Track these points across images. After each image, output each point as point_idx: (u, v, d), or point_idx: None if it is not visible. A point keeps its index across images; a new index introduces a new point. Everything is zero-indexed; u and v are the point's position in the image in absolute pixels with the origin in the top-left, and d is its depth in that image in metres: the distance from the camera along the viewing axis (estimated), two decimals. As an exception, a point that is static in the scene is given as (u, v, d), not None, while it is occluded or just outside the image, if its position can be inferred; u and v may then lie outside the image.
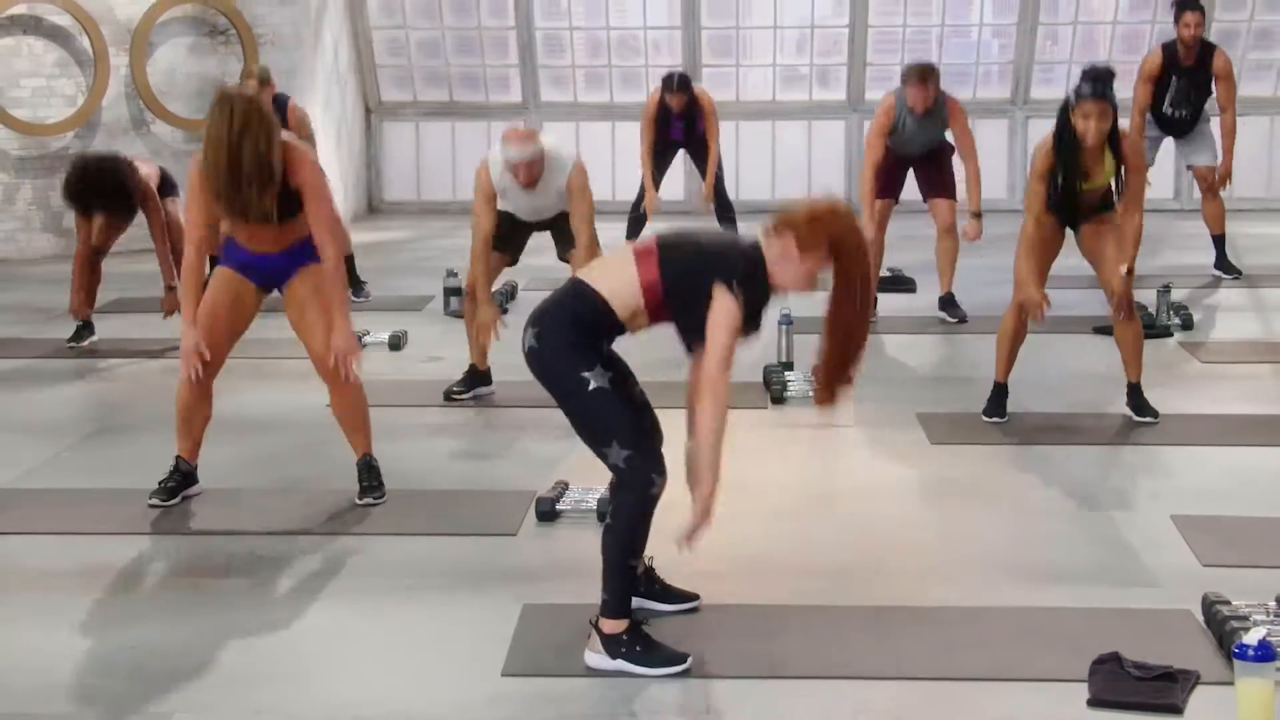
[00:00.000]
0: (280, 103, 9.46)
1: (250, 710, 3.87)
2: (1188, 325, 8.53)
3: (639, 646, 4.04)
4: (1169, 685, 3.85)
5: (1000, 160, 14.01)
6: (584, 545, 5.05)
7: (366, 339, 8.28)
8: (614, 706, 3.87)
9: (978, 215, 8.56)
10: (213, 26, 12.46)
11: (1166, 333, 8.35)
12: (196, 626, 4.40)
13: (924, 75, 8.52)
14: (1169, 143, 10.17)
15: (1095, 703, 3.82)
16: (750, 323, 4.06)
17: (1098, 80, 6.10)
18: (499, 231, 6.80)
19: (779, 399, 6.97)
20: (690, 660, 4.04)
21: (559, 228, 6.99)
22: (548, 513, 5.32)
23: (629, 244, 4.20)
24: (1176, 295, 8.91)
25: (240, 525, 5.32)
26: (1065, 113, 6.18)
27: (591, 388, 4.01)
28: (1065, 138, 6.16)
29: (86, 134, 12.03)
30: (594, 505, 5.32)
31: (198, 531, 5.28)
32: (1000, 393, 6.62)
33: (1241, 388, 7.25)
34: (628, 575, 4.12)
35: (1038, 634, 4.27)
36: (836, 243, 4.00)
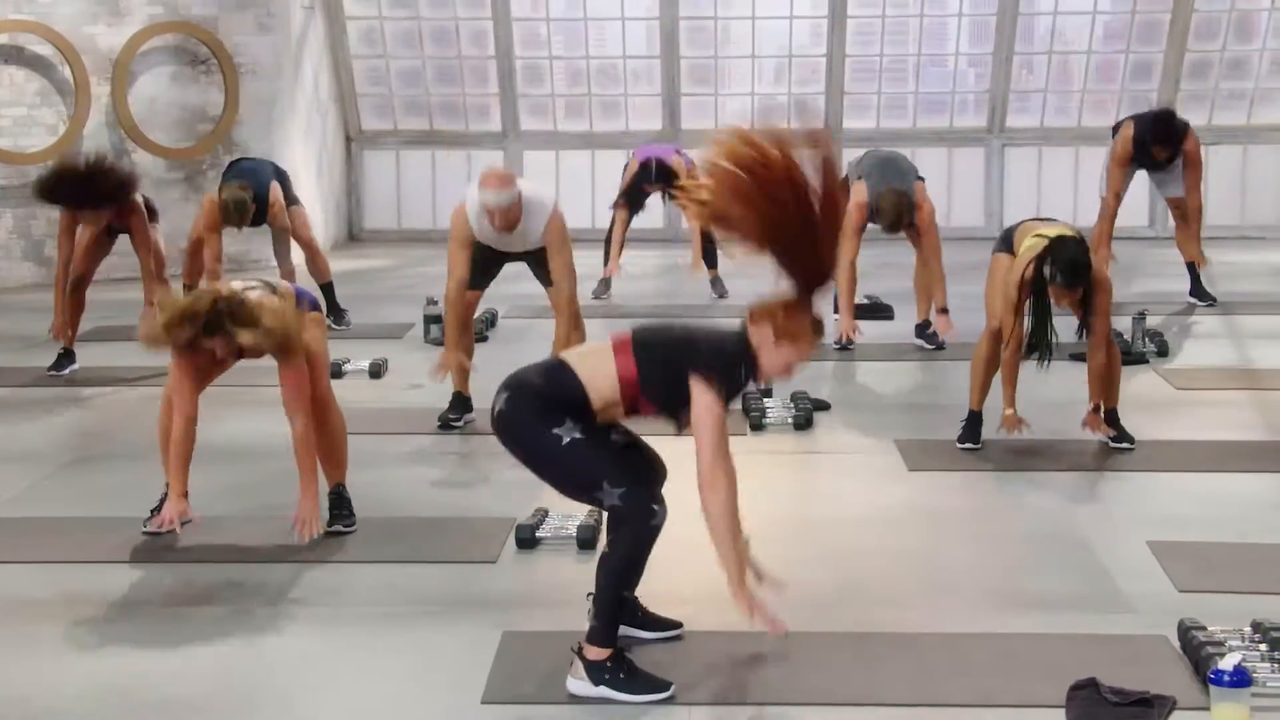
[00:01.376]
0: (261, 190, 9.27)
1: (230, 739, 3.86)
2: (1163, 352, 8.56)
3: (622, 674, 4.02)
4: (1146, 711, 3.86)
5: (977, 188, 14.07)
6: (564, 572, 5.04)
7: (347, 367, 8.27)
8: (594, 734, 3.86)
9: (944, 311, 8.55)
10: (194, 56, 12.45)
11: (1142, 359, 8.38)
12: (176, 655, 4.38)
13: (895, 227, 8.47)
14: (1143, 173, 10.23)
15: (1073, 728, 3.82)
16: (732, 393, 4.09)
17: (1073, 276, 6.21)
18: (474, 266, 6.78)
19: (758, 426, 6.98)
20: (673, 687, 4.03)
21: (536, 258, 6.95)
22: (528, 540, 5.31)
23: (608, 338, 4.19)
24: (1151, 322, 8.95)
25: (220, 553, 5.30)
26: (1040, 273, 6.25)
27: (565, 442, 4.01)
28: (1039, 288, 6.27)
29: (67, 162, 12.00)
30: (574, 532, 5.31)
31: (178, 560, 5.26)
32: (975, 421, 6.64)
33: (1217, 413, 7.28)
34: (619, 605, 4.12)
35: (1016, 660, 4.27)
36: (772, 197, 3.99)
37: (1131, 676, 4.04)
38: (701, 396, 4.00)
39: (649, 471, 4.22)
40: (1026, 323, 6.36)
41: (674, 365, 4.04)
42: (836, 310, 8.73)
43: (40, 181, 8.26)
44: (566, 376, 4.08)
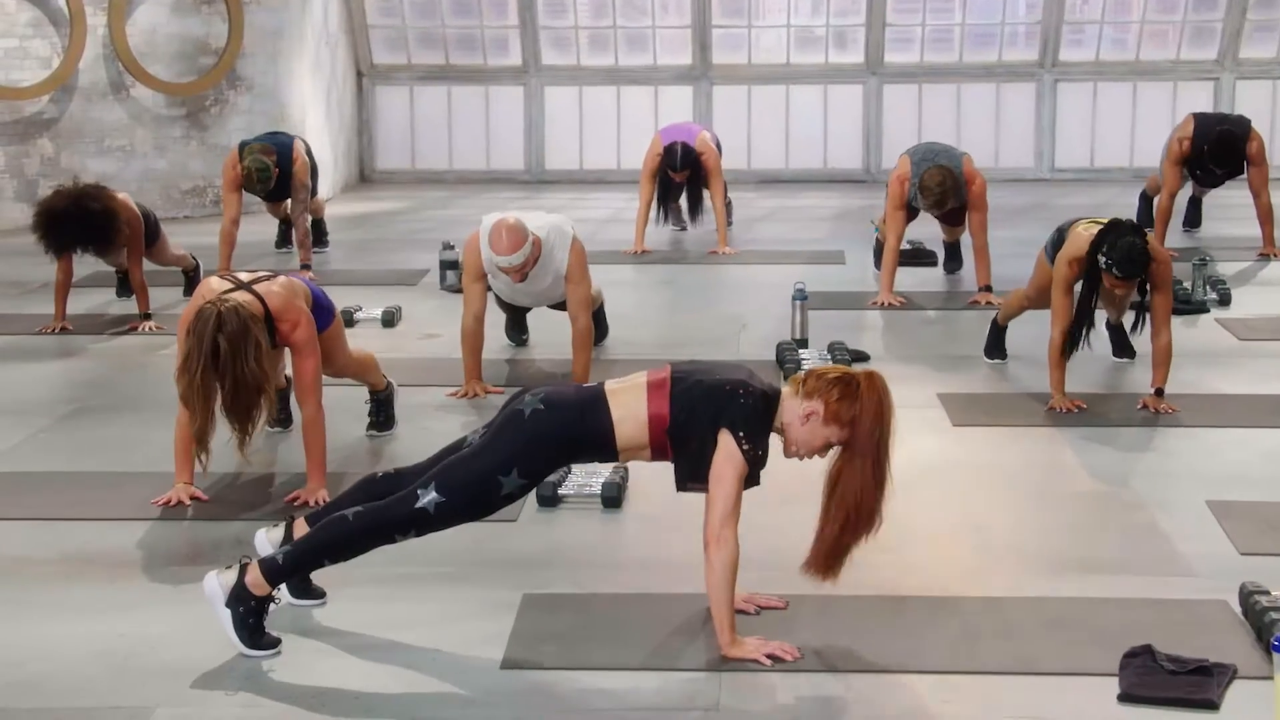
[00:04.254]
0: (285, 150, 9.44)
1: (237, 704, 3.88)
2: (1225, 300, 8.51)
3: (252, 619, 4.12)
4: (1204, 679, 3.85)
5: (1028, 127, 13.98)
6: (588, 532, 5.06)
7: (359, 315, 8.29)
8: (619, 701, 3.88)
9: (988, 289, 8.56)
10: (195, -16, 12.44)
11: (1202, 308, 8.34)
12: (180, 617, 4.41)
13: (941, 203, 8.49)
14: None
15: (1126, 698, 3.83)
16: (751, 478, 4.11)
17: (1131, 269, 6.21)
18: (497, 299, 6.91)
19: (793, 378, 6.96)
20: (278, 649, 4.11)
21: (557, 306, 7.13)
22: (549, 498, 5.32)
23: (646, 375, 4.22)
24: (1213, 268, 8.90)
25: (227, 510, 5.33)
26: (1094, 260, 6.26)
27: (503, 491, 4.11)
28: (1093, 276, 6.31)
29: (62, 98, 12.03)
30: (598, 490, 5.33)
31: (182, 517, 5.29)
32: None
33: (1281, 366, 7.25)
34: (313, 563, 4.22)
35: (1065, 626, 4.27)
36: (861, 418, 4.05)
37: (1189, 643, 4.04)
38: (729, 450, 4.06)
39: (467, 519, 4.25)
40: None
41: (707, 417, 4.08)
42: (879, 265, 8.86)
43: (34, 222, 8.11)
44: (600, 413, 4.14)
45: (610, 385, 4.24)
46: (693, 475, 4.14)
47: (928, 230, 10.08)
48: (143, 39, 12.24)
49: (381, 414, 6.23)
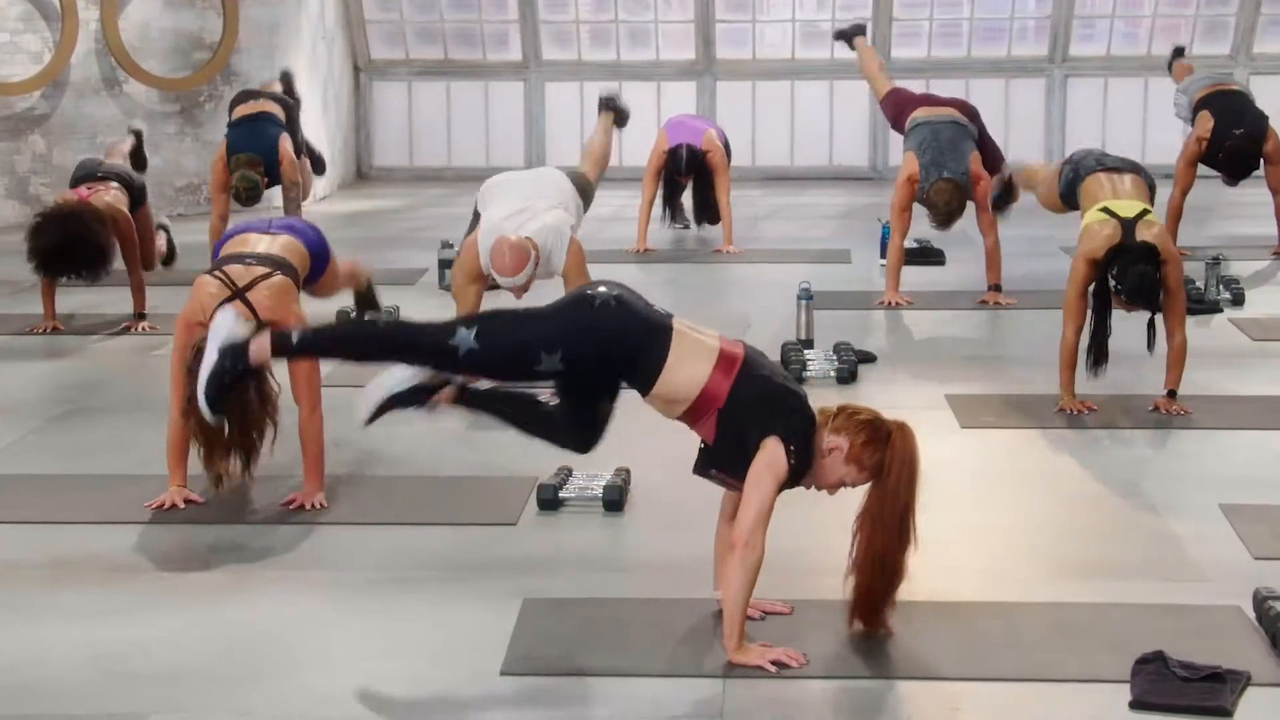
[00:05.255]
0: (270, 160, 9.41)
1: (232, 711, 3.88)
2: (1238, 300, 8.51)
3: (229, 379, 4.17)
4: (1217, 686, 3.85)
5: (1037, 123, 13.99)
6: (589, 535, 5.06)
7: (355, 315, 8.27)
8: (621, 708, 3.88)
9: (997, 288, 8.57)
10: (190, -22, 12.45)
11: (1216, 308, 8.34)
12: (174, 621, 4.41)
13: (948, 221, 8.49)
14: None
15: (1138, 705, 3.82)
16: (792, 483, 4.11)
17: (1144, 297, 6.24)
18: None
19: (798, 379, 6.96)
20: (222, 416, 4.25)
21: None
22: (550, 500, 5.32)
23: (718, 338, 4.19)
24: (1226, 268, 8.89)
25: (221, 514, 5.32)
26: (1109, 263, 6.27)
27: (539, 366, 4.06)
28: (1103, 297, 6.34)
29: (54, 93, 12.03)
30: (599, 492, 5.33)
31: (175, 521, 5.29)
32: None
33: (1296, 367, 7.25)
34: (328, 350, 4.24)
35: (1076, 632, 4.27)
36: (885, 469, 4.06)
37: (1202, 649, 4.03)
38: (775, 456, 4.04)
39: (516, 409, 4.27)
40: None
41: (764, 416, 4.06)
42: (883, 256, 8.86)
43: (27, 252, 8.05)
44: (659, 346, 4.09)
45: (679, 325, 4.17)
46: (720, 464, 4.12)
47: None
48: (136, 33, 12.25)
49: (367, 306, 6.49)
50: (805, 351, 7.24)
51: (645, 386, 4.13)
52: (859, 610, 4.18)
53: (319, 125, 13.20)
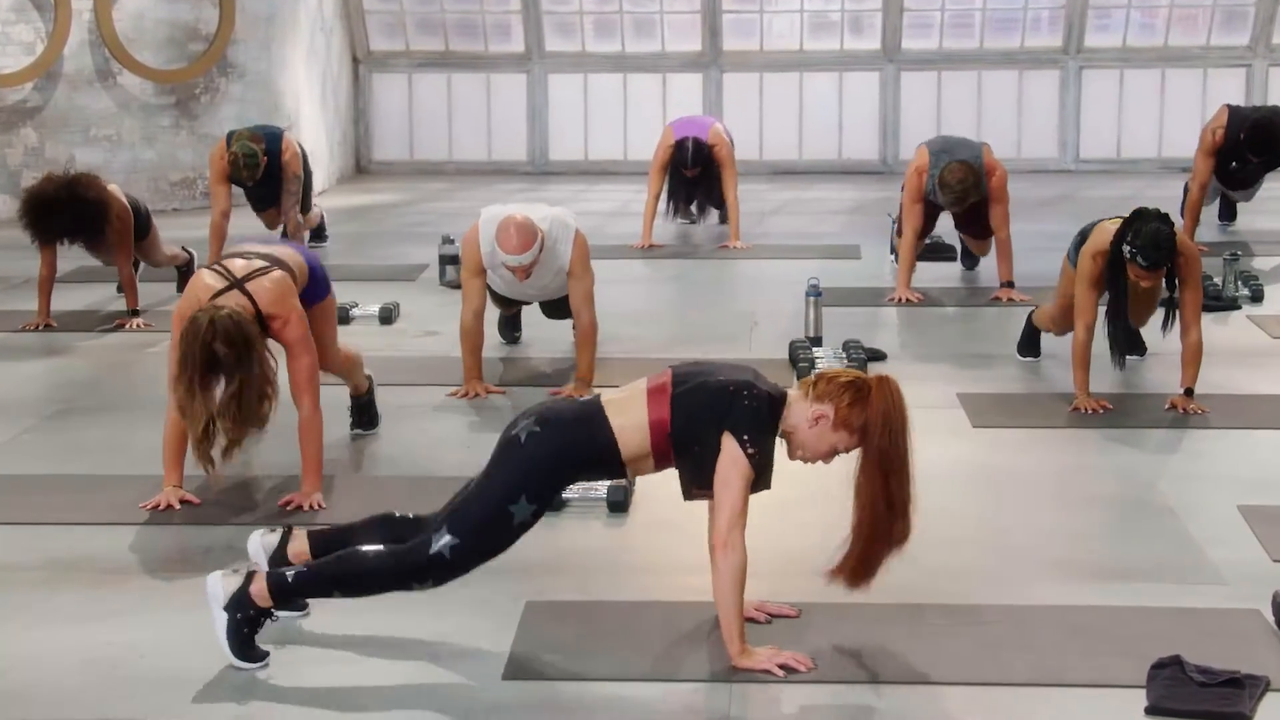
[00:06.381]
0: (274, 141, 9.45)
1: (228, 717, 3.89)
2: (1257, 297, 8.51)
3: (246, 628, 4.13)
4: (1235, 692, 3.85)
5: (1051, 116, 13.99)
6: (592, 538, 5.07)
7: (355, 312, 8.30)
8: (624, 713, 3.88)
9: (1010, 284, 8.58)
10: (185, -32, 12.46)
11: (1234, 305, 8.34)
12: (170, 625, 4.42)
13: (962, 200, 8.48)
14: None
15: (1154, 711, 3.82)
16: (760, 481, 4.11)
17: (1156, 256, 6.19)
18: (493, 294, 6.95)
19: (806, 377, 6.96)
20: (262, 665, 4.11)
21: (554, 303, 7.11)
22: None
23: (645, 381, 4.22)
24: (1245, 263, 8.89)
25: (217, 515, 5.33)
26: (1119, 250, 6.26)
27: (515, 521, 4.11)
28: (1117, 271, 6.30)
29: (46, 85, 12.04)
30: (603, 494, 5.33)
31: (171, 522, 5.29)
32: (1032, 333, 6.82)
33: (1316, 366, 7.25)
34: (321, 591, 4.21)
35: (1091, 635, 4.27)
36: (873, 428, 4.06)
37: (1219, 654, 4.04)
38: (733, 454, 4.06)
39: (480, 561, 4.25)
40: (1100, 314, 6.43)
41: (709, 418, 4.08)
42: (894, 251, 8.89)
43: (22, 209, 8.15)
44: (600, 426, 4.13)
45: (607, 395, 4.25)
46: (697, 481, 4.14)
47: (946, 224, 10.08)
48: (130, 24, 12.25)
49: (365, 415, 6.24)
50: (814, 349, 7.24)
51: (617, 469, 4.20)
52: (849, 568, 4.14)
53: (317, 119, 13.22)
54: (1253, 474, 5.70)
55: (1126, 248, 6.22)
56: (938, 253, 9.68)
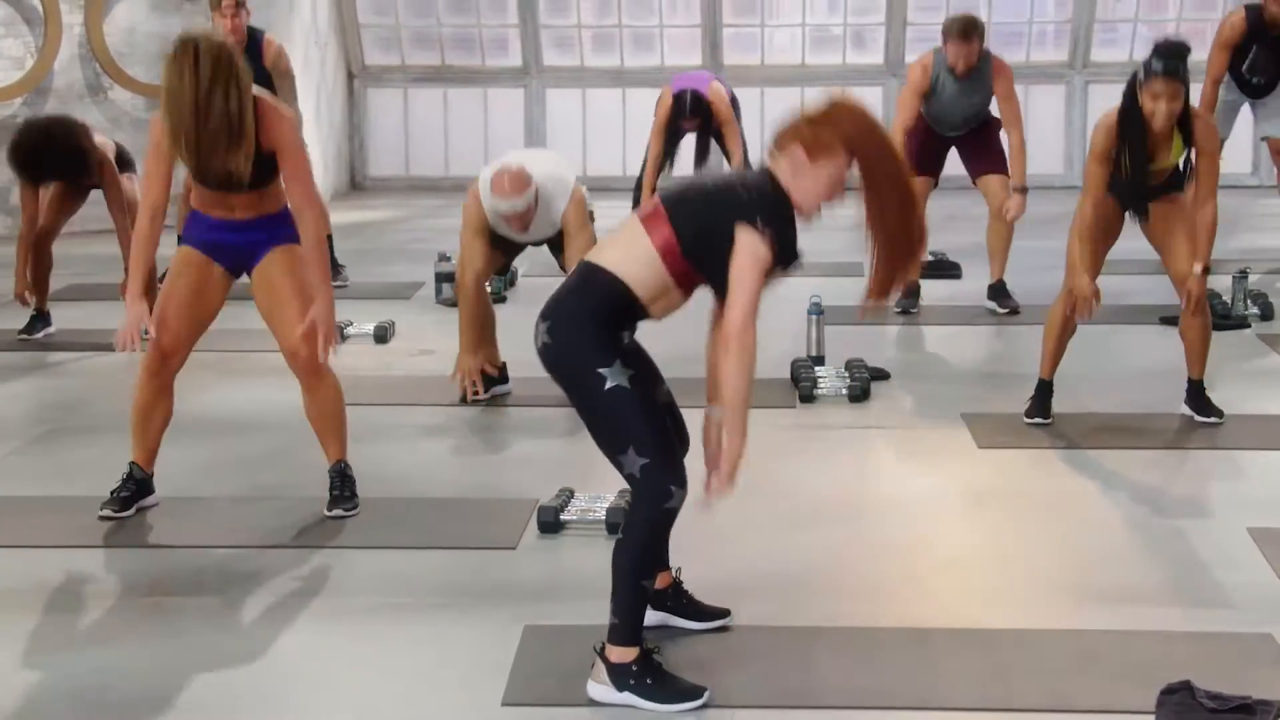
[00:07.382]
0: (254, 37, 9.44)
1: (220, 743, 3.89)
2: (1267, 315, 8.51)
3: (649, 679, 4.02)
4: (1246, 718, 3.85)
5: (1057, 131, 14.01)
6: (592, 560, 5.05)
7: (349, 330, 8.30)
8: (625, 740, 3.88)
9: (1022, 190, 8.55)
10: (177, -19, 12.48)
11: (1243, 323, 8.34)
12: (160, 650, 4.41)
13: (966, 30, 8.53)
14: (1246, 111, 10.12)
15: (1163, 737, 3.82)
16: (787, 257, 4.07)
17: (1170, 57, 6.09)
18: (491, 240, 6.87)
19: (808, 397, 6.97)
20: (708, 694, 4.03)
21: (555, 243, 7.01)
22: (551, 523, 5.32)
23: (634, 213, 4.19)
24: (1254, 281, 8.90)
25: (208, 538, 5.33)
26: (1132, 90, 6.17)
27: (608, 387, 3.99)
28: (1132, 118, 6.15)
29: (36, 100, 12.05)
30: (602, 515, 5.32)
31: (162, 545, 5.29)
32: (1045, 391, 6.58)
33: (1327, 385, 7.25)
34: (639, 597, 4.10)
35: (1099, 660, 4.27)
36: (851, 139, 4.05)
37: (1230, 679, 4.02)
38: (747, 242, 3.99)
39: (677, 444, 4.22)
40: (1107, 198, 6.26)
41: (717, 219, 4.02)
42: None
43: (9, 149, 8.29)
44: (600, 279, 4.05)
45: (591, 254, 4.16)
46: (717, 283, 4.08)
47: (951, 240, 10.10)
48: (121, 38, 12.28)
49: (347, 488, 5.55)
50: (816, 368, 7.24)
51: (634, 310, 4.08)
52: (876, 287, 4.18)
53: (311, 134, 13.22)
54: (1263, 495, 5.70)
55: (1140, 72, 6.09)
56: (942, 270, 9.69)
